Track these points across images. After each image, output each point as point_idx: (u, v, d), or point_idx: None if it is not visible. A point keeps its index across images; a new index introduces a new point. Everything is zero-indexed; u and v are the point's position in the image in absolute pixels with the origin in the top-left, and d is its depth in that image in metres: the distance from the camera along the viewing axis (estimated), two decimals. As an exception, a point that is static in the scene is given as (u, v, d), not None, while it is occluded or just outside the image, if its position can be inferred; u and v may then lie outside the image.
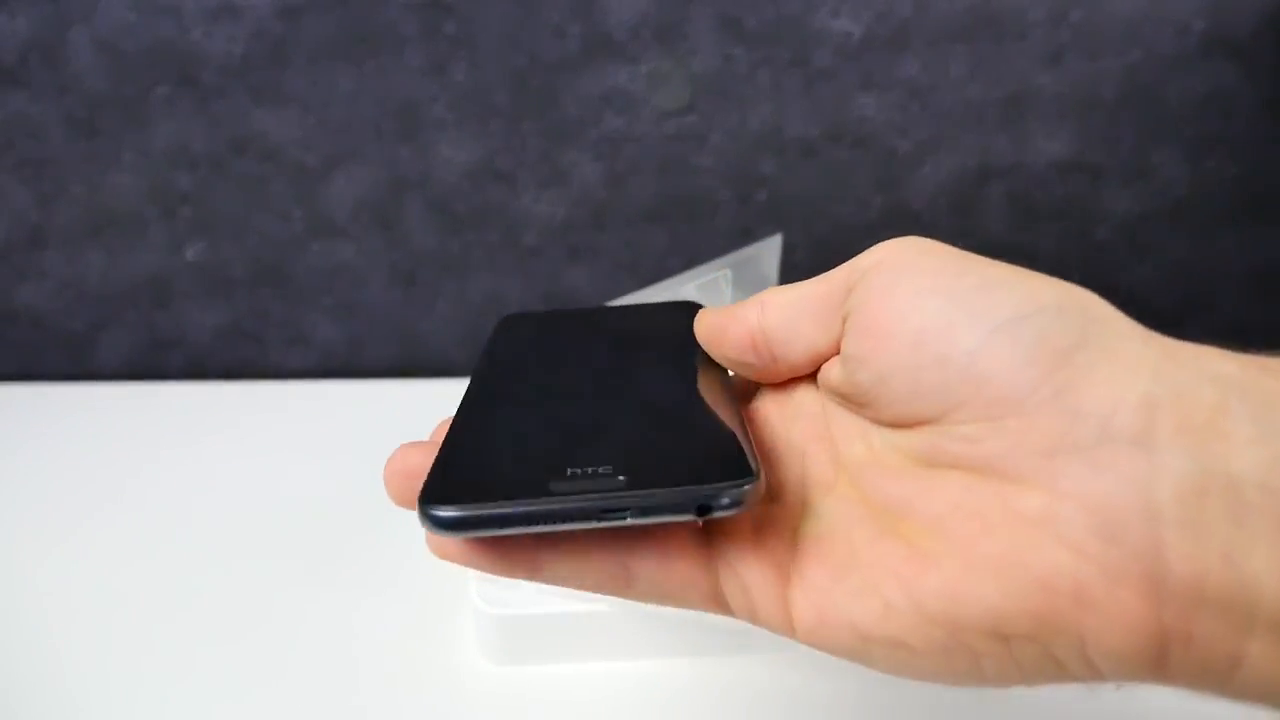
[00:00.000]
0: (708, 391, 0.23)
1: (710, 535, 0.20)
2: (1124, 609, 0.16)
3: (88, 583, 0.38)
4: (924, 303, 0.19)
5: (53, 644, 0.35)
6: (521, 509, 0.18)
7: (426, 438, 0.22)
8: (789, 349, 0.22)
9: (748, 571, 0.20)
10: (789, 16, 0.51)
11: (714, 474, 0.19)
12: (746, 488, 0.18)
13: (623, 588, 0.20)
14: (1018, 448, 0.17)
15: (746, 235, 0.55)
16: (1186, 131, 0.54)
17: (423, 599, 0.36)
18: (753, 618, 0.20)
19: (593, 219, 0.56)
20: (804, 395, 0.23)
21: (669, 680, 0.32)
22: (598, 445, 0.20)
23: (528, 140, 0.53)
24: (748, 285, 0.41)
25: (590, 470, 0.19)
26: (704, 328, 0.24)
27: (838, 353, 0.21)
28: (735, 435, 0.21)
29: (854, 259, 0.21)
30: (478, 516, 0.18)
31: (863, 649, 0.18)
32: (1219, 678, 0.16)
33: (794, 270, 0.36)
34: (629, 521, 0.18)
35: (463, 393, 0.24)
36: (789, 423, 0.23)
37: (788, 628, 0.19)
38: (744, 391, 0.25)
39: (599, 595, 0.20)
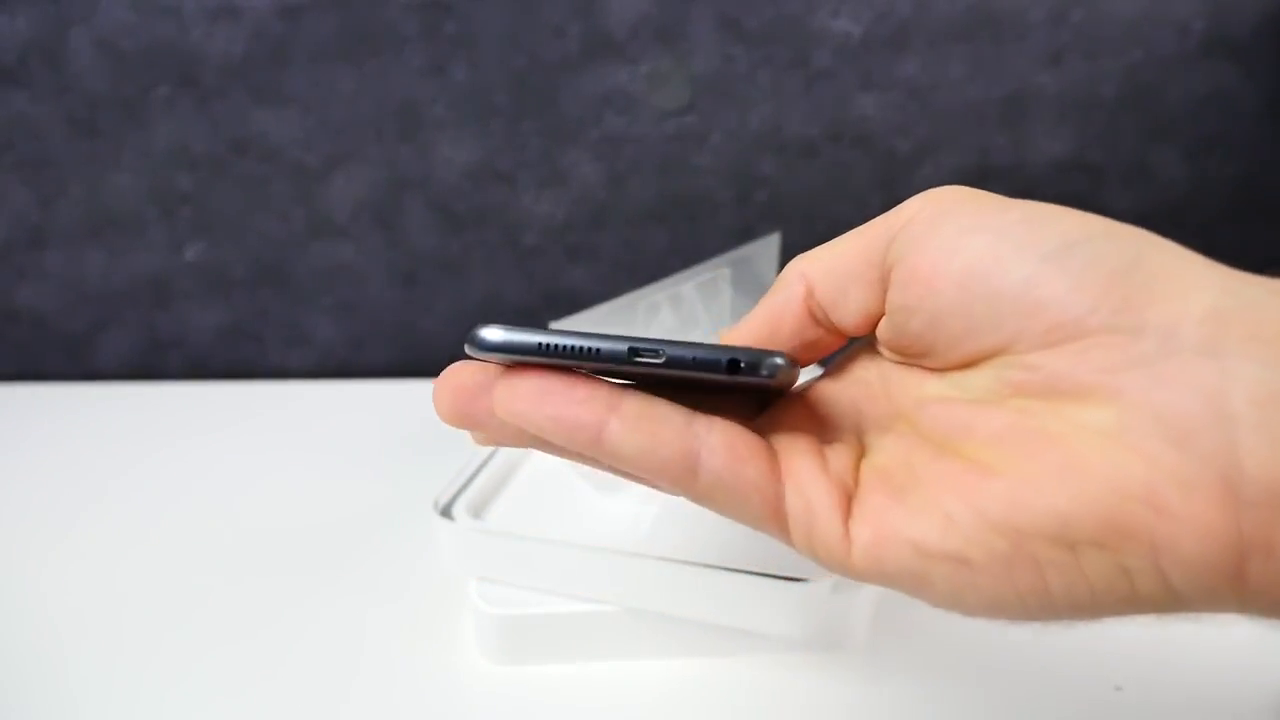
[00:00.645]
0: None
1: (782, 452, 0.20)
2: (1199, 515, 0.15)
3: (88, 583, 0.38)
4: (969, 241, 0.19)
5: (52, 644, 0.35)
6: (563, 340, 0.19)
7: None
8: (841, 312, 0.22)
9: (813, 486, 0.19)
10: (789, 16, 0.51)
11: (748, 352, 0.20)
12: (778, 360, 0.20)
13: (687, 478, 0.19)
14: (1079, 367, 0.17)
15: (746, 235, 0.55)
16: (1186, 131, 0.54)
17: (423, 599, 0.36)
18: (809, 538, 0.19)
19: (593, 219, 0.56)
20: (859, 369, 0.23)
21: (669, 680, 0.32)
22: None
23: (528, 140, 0.53)
24: (746, 284, 0.41)
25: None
26: (755, 327, 0.23)
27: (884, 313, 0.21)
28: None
29: (887, 213, 0.21)
30: (521, 342, 0.19)
31: (922, 569, 0.18)
32: None
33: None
34: (662, 370, 0.20)
35: None
36: (845, 389, 0.23)
37: (844, 549, 0.19)
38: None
39: (660, 490, 0.20)
